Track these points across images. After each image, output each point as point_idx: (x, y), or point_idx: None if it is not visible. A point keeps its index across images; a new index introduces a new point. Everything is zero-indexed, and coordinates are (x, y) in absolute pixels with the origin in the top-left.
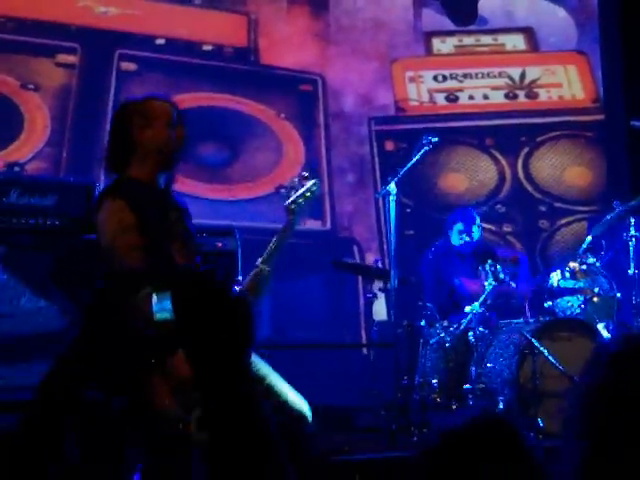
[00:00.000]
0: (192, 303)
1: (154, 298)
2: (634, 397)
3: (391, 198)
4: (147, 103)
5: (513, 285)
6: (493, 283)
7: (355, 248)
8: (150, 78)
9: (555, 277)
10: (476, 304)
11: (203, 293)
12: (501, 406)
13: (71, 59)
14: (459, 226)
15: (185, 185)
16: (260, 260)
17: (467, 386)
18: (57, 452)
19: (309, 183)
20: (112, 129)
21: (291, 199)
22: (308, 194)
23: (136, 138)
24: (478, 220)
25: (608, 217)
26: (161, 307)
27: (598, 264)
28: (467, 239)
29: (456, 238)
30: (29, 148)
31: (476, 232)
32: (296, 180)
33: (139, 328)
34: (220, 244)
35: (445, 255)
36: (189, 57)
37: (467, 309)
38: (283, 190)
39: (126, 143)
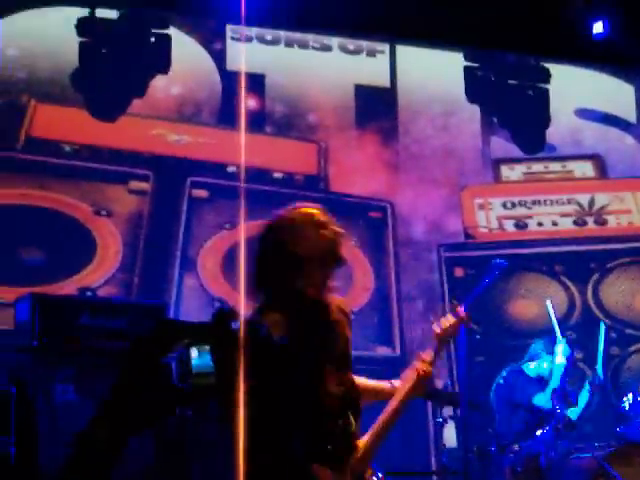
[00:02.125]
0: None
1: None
2: None
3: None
4: (298, 218)
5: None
6: (564, 407)
7: None
8: (221, 205)
9: (627, 401)
10: (547, 428)
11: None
12: None
13: (144, 186)
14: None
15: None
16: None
17: None
18: None
19: (460, 311)
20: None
21: (443, 327)
22: (456, 322)
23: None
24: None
25: None
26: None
27: None
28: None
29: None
30: (101, 273)
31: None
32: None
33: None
34: None
35: (518, 378)
36: (260, 184)
37: (538, 433)
38: (432, 319)
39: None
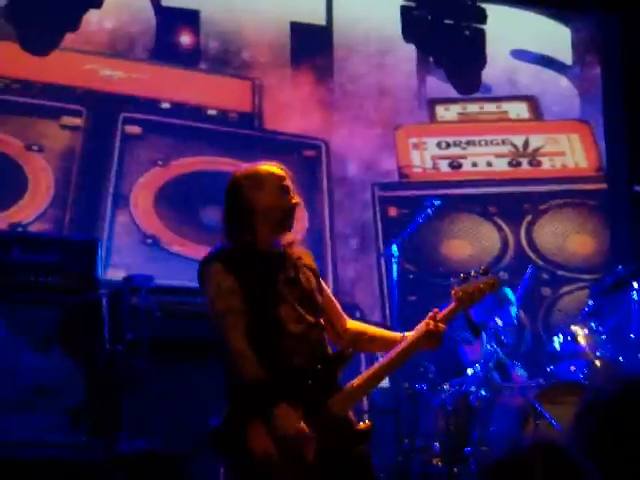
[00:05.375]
0: None
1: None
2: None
3: (393, 260)
4: (256, 168)
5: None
6: (494, 345)
7: (357, 313)
8: (154, 141)
9: (557, 341)
10: (477, 367)
11: None
12: None
13: (76, 121)
14: None
15: (188, 248)
16: (408, 333)
17: (469, 449)
18: None
19: (488, 278)
20: (225, 198)
21: (462, 286)
22: (482, 286)
23: (248, 201)
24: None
25: (609, 279)
26: None
27: (601, 328)
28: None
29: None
30: (32, 209)
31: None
32: (472, 271)
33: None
34: None
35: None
36: (194, 121)
37: (469, 372)
38: (453, 279)
39: (238, 208)
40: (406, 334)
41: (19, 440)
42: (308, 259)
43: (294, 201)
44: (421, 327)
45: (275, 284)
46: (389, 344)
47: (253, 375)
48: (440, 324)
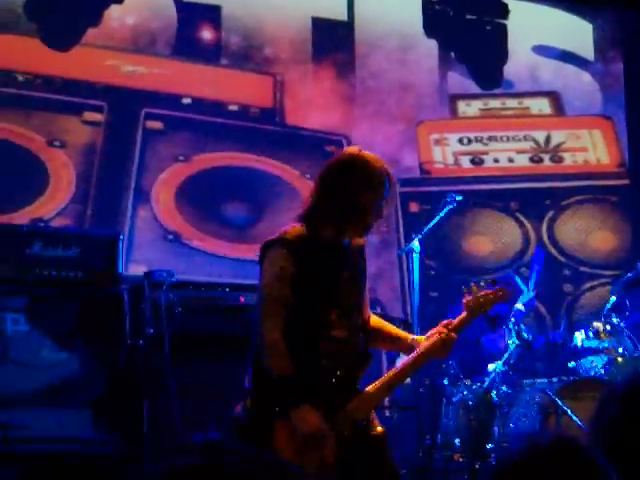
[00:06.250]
0: None
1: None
2: None
3: (414, 256)
4: (371, 166)
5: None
6: (517, 342)
7: (379, 309)
8: (176, 137)
9: (579, 337)
10: (499, 363)
11: None
12: None
13: (97, 117)
14: None
15: (209, 244)
16: (418, 337)
17: (490, 445)
18: None
19: (498, 289)
20: (328, 180)
21: (473, 296)
22: (492, 296)
23: (354, 197)
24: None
25: (630, 275)
26: None
27: (622, 324)
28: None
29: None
30: (54, 204)
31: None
32: (482, 283)
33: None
34: (242, 299)
35: None
36: (215, 117)
37: (490, 367)
38: (464, 287)
39: (339, 198)
40: (415, 337)
41: (40, 435)
42: (362, 251)
43: (385, 212)
44: (434, 336)
45: (336, 283)
46: (398, 344)
47: (282, 370)
48: (452, 333)
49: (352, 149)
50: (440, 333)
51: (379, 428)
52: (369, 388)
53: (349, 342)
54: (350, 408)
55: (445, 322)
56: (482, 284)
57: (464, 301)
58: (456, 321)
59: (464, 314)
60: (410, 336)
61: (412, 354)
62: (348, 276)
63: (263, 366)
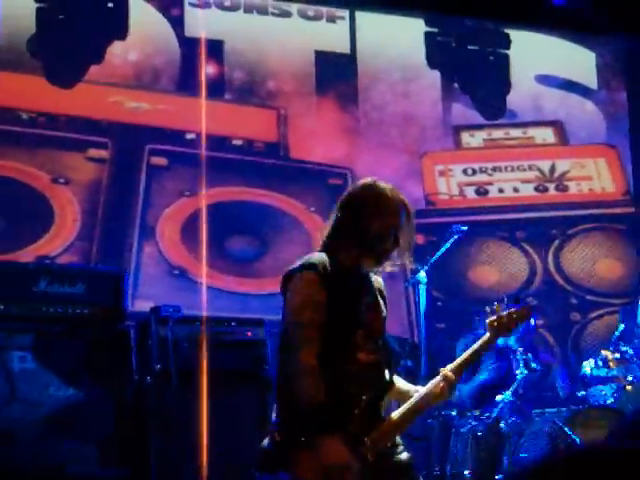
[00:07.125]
0: None
1: None
2: None
3: (421, 287)
4: (384, 194)
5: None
6: (524, 372)
7: None
8: (180, 172)
9: (588, 366)
10: (507, 393)
11: None
12: None
13: (102, 154)
14: None
15: (215, 279)
16: (448, 368)
17: (499, 476)
18: None
19: (521, 308)
20: (346, 209)
21: (496, 317)
22: (515, 316)
23: (366, 225)
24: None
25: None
26: None
27: (631, 352)
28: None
29: None
30: (59, 242)
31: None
32: (505, 300)
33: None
34: (249, 333)
35: None
36: (219, 152)
37: (498, 398)
38: (487, 308)
39: (357, 227)
40: (418, 388)
41: (47, 471)
42: (380, 284)
43: (403, 242)
44: (438, 381)
45: (359, 307)
46: (404, 398)
47: (314, 398)
48: (453, 376)
49: (367, 179)
50: (446, 377)
51: (404, 454)
52: (393, 415)
53: (375, 366)
54: (373, 437)
55: (446, 369)
56: (505, 301)
57: (487, 322)
58: (454, 365)
59: (488, 335)
60: (414, 388)
61: (418, 400)
62: (370, 301)
63: (291, 394)
